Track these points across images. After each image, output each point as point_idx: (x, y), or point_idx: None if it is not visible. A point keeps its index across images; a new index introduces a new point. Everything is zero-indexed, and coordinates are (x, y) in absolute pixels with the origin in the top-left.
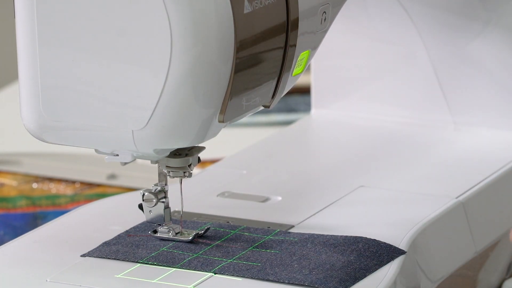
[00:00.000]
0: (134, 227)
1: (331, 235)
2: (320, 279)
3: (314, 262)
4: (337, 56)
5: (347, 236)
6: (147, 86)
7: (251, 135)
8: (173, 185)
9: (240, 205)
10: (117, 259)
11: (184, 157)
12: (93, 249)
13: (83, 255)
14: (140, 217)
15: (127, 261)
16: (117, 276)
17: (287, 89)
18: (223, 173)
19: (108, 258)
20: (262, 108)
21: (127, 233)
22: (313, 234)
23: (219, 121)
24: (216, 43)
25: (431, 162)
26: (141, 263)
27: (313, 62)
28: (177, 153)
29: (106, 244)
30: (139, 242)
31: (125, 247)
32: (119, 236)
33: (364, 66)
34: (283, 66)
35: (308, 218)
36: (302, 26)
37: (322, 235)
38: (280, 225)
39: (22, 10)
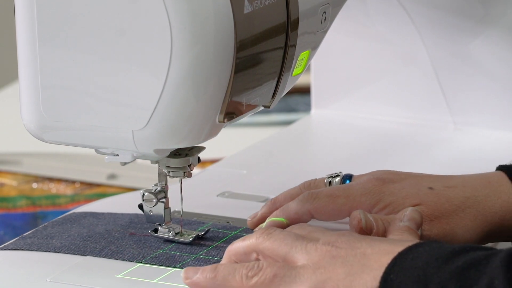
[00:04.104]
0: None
1: (222, 224)
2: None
3: (207, 252)
4: (337, 56)
5: None
6: (147, 86)
7: (251, 135)
8: (173, 185)
9: (240, 205)
10: (31, 250)
11: (184, 157)
12: (9, 242)
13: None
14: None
15: (41, 251)
16: (117, 276)
17: (287, 89)
18: (223, 173)
19: (22, 249)
20: (262, 108)
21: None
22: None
23: (219, 121)
24: (216, 43)
25: (431, 162)
26: (141, 263)
27: (313, 62)
28: (177, 153)
29: (22, 237)
30: (55, 234)
31: (39, 239)
32: (36, 230)
33: (364, 66)
34: (283, 66)
35: None
36: (302, 26)
37: (216, 224)
38: None
39: (22, 10)
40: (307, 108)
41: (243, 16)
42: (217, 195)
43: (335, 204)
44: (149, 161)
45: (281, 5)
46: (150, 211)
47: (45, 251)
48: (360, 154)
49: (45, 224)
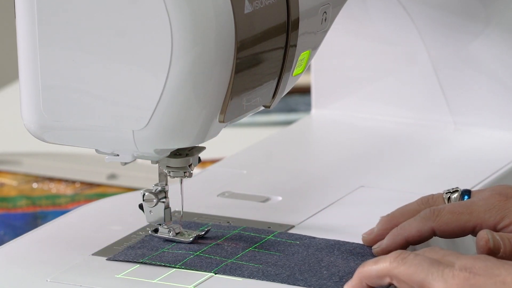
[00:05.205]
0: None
1: (334, 240)
2: (329, 286)
3: (325, 266)
4: (337, 56)
5: (340, 241)
6: (148, 86)
7: (251, 135)
8: (173, 185)
9: (240, 205)
10: (144, 263)
11: (184, 157)
12: (118, 253)
13: (109, 259)
14: (140, 217)
15: (154, 264)
16: (117, 276)
17: (287, 89)
18: (223, 173)
19: (135, 261)
20: (262, 108)
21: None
22: (315, 238)
23: (220, 121)
24: (217, 43)
25: (431, 162)
26: (141, 263)
27: (313, 62)
28: (177, 153)
29: (130, 247)
30: (164, 245)
31: (150, 251)
32: (142, 240)
33: (364, 66)
34: (284, 66)
35: (308, 218)
36: (302, 26)
37: (324, 239)
38: (280, 225)
39: (22, 10)
40: (307, 108)
41: (244, 16)
42: (217, 195)
43: (458, 221)
44: (149, 161)
45: (282, 5)
46: (150, 211)
47: (158, 265)
48: (360, 154)
49: (149, 234)
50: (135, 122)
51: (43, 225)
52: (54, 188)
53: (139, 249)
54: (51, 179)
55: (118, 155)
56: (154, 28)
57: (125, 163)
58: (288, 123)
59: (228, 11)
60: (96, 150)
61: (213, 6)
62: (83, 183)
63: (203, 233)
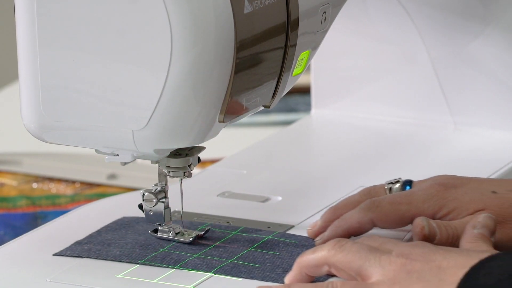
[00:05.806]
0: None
1: (280, 232)
2: (272, 277)
3: (269, 259)
4: (337, 56)
5: None
6: (147, 86)
7: (251, 135)
8: (173, 185)
9: (240, 205)
10: (89, 257)
11: (184, 157)
12: (65, 248)
13: (55, 254)
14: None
15: (100, 259)
16: (117, 276)
17: (287, 89)
18: (223, 173)
19: (80, 256)
20: (262, 108)
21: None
22: (261, 231)
23: (219, 121)
24: (216, 43)
25: (431, 162)
26: (141, 263)
27: (313, 62)
28: (177, 153)
29: (77, 243)
30: (111, 240)
31: (96, 246)
32: (90, 235)
33: (364, 66)
34: (283, 66)
35: (308, 218)
36: (302, 26)
37: (270, 231)
38: (280, 225)
39: (22, 10)
40: (307, 108)
41: (243, 16)
42: (217, 195)
43: (397, 212)
44: (149, 161)
45: (281, 5)
46: (150, 211)
47: (104, 259)
48: (360, 154)
49: (98, 229)
50: (135, 122)
51: (43, 225)
52: (54, 188)
53: (85, 244)
54: (51, 179)
55: (118, 155)
56: (154, 28)
57: (125, 163)
58: (288, 123)
59: (228, 11)
60: (96, 150)
61: (213, 6)
62: (83, 183)
63: (202, 232)
